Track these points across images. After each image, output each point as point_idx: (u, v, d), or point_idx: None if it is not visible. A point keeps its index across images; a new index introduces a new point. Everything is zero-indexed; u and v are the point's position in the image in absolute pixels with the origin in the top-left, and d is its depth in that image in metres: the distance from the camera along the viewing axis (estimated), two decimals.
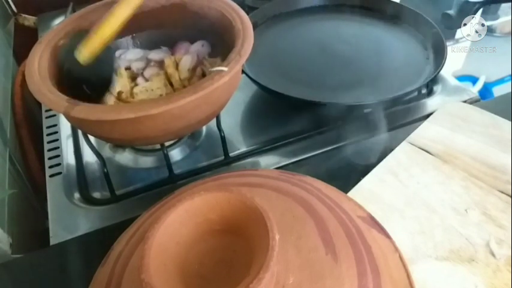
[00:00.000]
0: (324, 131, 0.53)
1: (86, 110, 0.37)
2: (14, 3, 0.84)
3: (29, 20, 0.85)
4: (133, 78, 0.49)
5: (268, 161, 0.51)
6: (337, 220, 0.30)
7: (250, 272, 0.22)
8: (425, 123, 0.49)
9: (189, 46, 0.51)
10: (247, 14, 0.46)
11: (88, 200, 0.48)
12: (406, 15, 0.64)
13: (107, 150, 0.53)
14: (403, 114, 0.55)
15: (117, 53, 0.51)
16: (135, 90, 0.48)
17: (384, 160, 0.45)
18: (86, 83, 0.43)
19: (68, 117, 0.42)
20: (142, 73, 0.50)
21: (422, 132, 0.48)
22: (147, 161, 0.52)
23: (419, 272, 0.35)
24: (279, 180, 0.35)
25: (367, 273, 0.27)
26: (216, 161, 0.51)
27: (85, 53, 0.42)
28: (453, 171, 0.43)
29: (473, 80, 1.32)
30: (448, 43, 0.57)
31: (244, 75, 0.53)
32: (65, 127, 0.58)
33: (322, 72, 0.58)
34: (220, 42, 0.48)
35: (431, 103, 0.57)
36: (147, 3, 0.51)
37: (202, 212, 0.26)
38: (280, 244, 0.23)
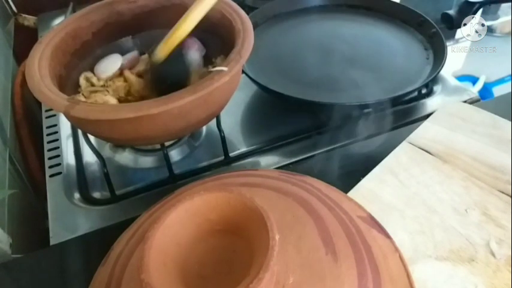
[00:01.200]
0: (324, 131, 0.53)
1: (85, 110, 0.37)
2: (14, 3, 0.84)
3: (29, 20, 0.85)
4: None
5: (268, 161, 0.51)
6: (337, 220, 0.30)
7: (250, 272, 0.22)
8: (425, 123, 0.49)
9: (196, 43, 0.51)
10: (247, 14, 0.46)
11: (88, 200, 0.48)
12: (406, 15, 0.64)
13: (107, 150, 0.53)
14: (403, 114, 0.55)
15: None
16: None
17: (384, 160, 0.45)
18: (167, 80, 0.45)
19: (68, 117, 0.42)
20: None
21: (422, 132, 0.48)
22: (147, 161, 0.52)
23: (419, 272, 0.35)
24: (279, 180, 0.36)
25: (367, 273, 0.27)
26: (216, 161, 0.51)
27: (160, 54, 0.44)
28: (453, 171, 0.43)
29: (473, 80, 1.32)
30: (448, 43, 0.57)
31: (244, 75, 0.53)
32: (65, 127, 0.58)
33: (322, 72, 0.58)
34: (221, 42, 0.48)
35: (431, 103, 0.57)
36: (147, 3, 0.51)
37: (203, 212, 0.26)
38: (280, 244, 0.23)
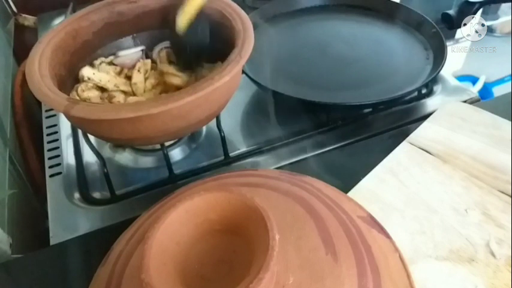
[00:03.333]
0: (324, 131, 0.53)
1: (85, 109, 0.37)
2: (14, 3, 0.84)
3: (29, 20, 0.85)
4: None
5: (268, 161, 0.51)
6: (337, 220, 0.30)
7: (250, 272, 0.22)
8: (425, 123, 0.49)
9: None
10: (247, 14, 0.46)
11: (88, 200, 0.48)
12: (406, 15, 0.64)
13: (107, 150, 0.53)
14: (403, 114, 0.55)
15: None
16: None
17: (384, 160, 0.45)
18: (190, 50, 0.46)
19: (68, 117, 0.42)
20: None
21: (422, 132, 0.48)
22: (147, 161, 0.52)
23: (419, 272, 0.35)
24: (279, 180, 0.35)
25: (367, 273, 0.27)
26: (216, 161, 0.51)
27: (180, 25, 0.45)
28: (453, 171, 0.43)
29: (473, 80, 1.33)
30: (448, 43, 0.57)
31: (244, 75, 0.53)
32: (65, 127, 0.58)
33: (322, 72, 0.58)
34: (221, 42, 0.48)
35: (431, 103, 0.57)
36: (147, 3, 0.51)
37: (203, 212, 0.26)
38: (280, 244, 0.23)
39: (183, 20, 0.44)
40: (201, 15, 0.46)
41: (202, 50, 0.47)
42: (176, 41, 0.47)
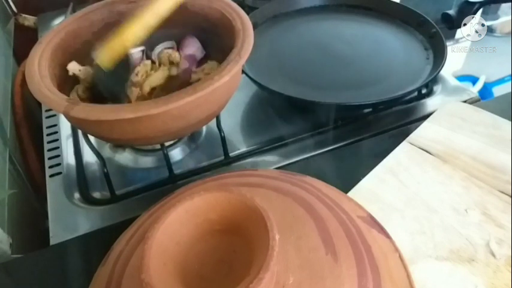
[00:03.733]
0: (324, 131, 0.53)
1: (85, 110, 0.37)
2: (14, 3, 0.84)
3: (29, 20, 0.85)
4: None
5: (268, 161, 0.51)
6: (337, 220, 0.30)
7: (250, 272, 0.22)
8: (425, 123, 0.49)
9: (196, 42, 0.51)
10: (247, 14, 0.46)
11: (88, 200, 0.48)
12: (406, 15, 0.64)
13: (107, 150, 0.53)
14: (403, 114, 0.55)
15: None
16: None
17: (384, 160, 0.45)
18: (104, 88, 0.44)
19: (68, 117, 0.42)
20: None
21: (422, 132, 0.48)
22: (147, 161, 0.52)
23: (419, 272, 0.35)
24: (279, 180, 0.35)
25: (367, 273, 0.27)
26: (216, 161, 0.51)
27: (104, 57, 0.41)
28: (453, 171, 0.43)
29: (473, 80, 1.33)
30: (448, 43, 0.57)
31: (244, 75, 0.53)
32: (65, 127, 0.58)
33: (322, 72, 0.58)
34: (220, 42, 0.48)
35: (431, 103, 0.57)
36: (147, 3, 0.51)
37: (203, 212, 0.26)
38: (280, 244, 0.23)
39: (106, 55, 0.40)
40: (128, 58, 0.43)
41: (116, 92, 0.44)
42: (96, 72, 0.44)
